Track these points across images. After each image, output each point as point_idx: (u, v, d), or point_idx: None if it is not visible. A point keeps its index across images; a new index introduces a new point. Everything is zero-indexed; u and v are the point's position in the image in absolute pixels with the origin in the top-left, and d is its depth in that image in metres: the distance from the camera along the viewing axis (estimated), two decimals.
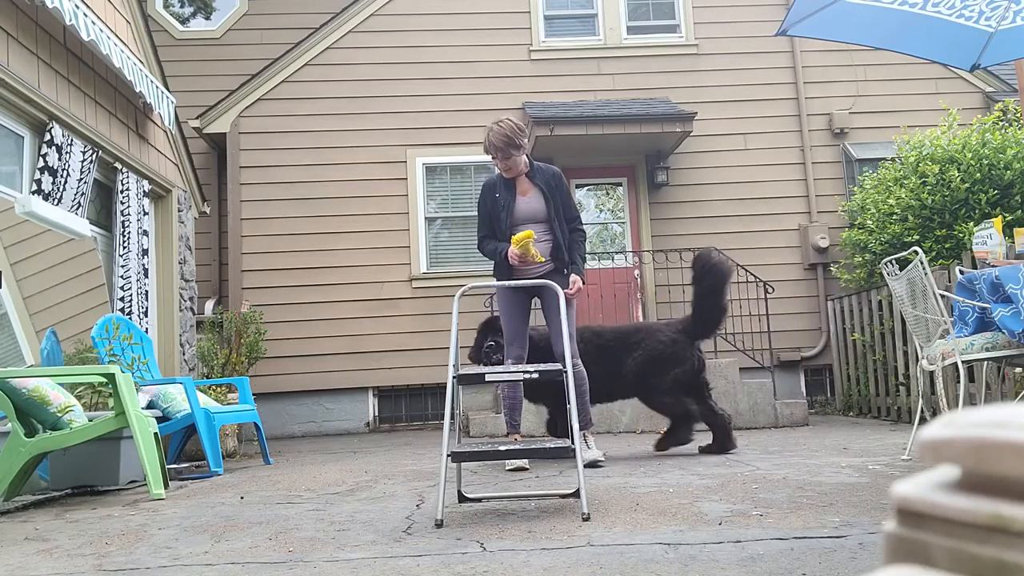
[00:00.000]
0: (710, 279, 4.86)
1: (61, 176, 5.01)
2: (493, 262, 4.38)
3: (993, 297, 3.56)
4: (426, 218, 8.39)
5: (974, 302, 3.80)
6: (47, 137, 4.90)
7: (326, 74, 8.52)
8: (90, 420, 3.84)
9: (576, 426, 3.00)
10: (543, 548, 2.34)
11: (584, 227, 4.46)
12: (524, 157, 4.30)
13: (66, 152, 5.07)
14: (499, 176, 4.37)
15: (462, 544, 2.43)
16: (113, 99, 5.97)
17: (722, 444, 4.72)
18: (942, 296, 3.89)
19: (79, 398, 4.38)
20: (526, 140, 4.28)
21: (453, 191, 8.50)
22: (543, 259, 4.19)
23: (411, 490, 3.67)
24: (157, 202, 6.86)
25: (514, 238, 4.07)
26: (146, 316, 6.21)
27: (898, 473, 3.64)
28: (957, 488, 0.52)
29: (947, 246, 6.55)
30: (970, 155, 6.67)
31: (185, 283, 7.06)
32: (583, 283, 4.31)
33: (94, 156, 5.44)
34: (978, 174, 6.54)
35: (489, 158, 4.31)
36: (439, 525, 2.71)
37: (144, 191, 6.30)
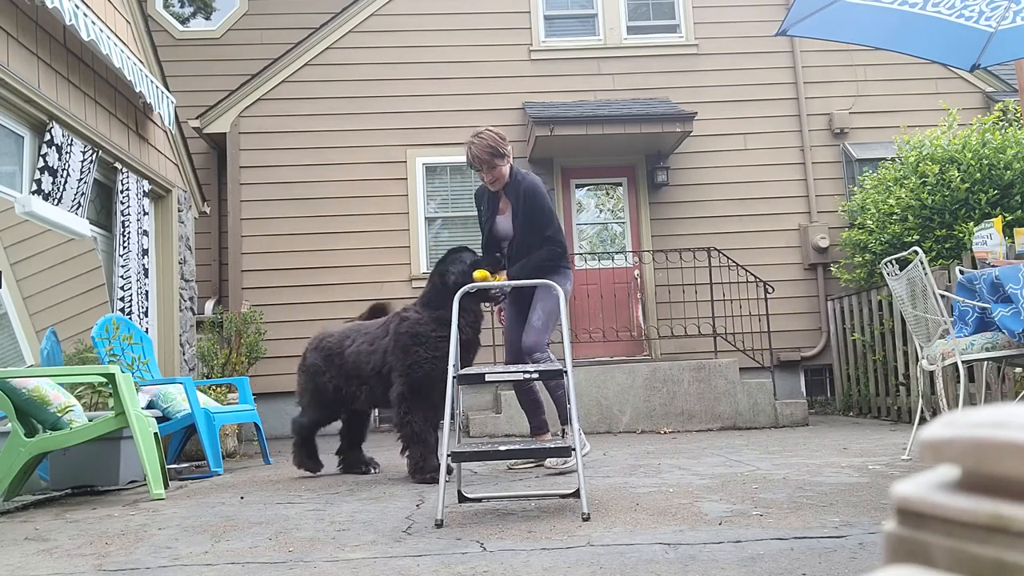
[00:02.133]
0: None
1: (61, 176, 5.01)
2: None
3: (993, 297, 3.56)
4: (426, 218, 8.39)
5: (974, 302, 3.80)
6: (47, 137, 4.90)
7: (326, 74, 8.52)
8: (90, 420, 3.84)
9: (576, 425, 3.00)
10: (543, 548, 2.34)
11: (557, 242, 4.10)
12: (508, 167, 4.15)
13: (66, 152, 5.07)
14: (484, 187, 4.28)
15: (462, 544, 2.43)
16: (113, 99, 5.97)
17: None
18: (942, 296, 3.89)
19: (79, 398, 4.38)
20: (509, 148, 4.14)
21: (453, 191, 8.50)
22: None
23: (411, 490, 3.67)
24: (157, 202, 6.86)
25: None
26: (146, 316, 6.21)
27: (898, 473, 3.64)
28: (957, 488, 0.52)
29: (947, 246, 6.55)
30: (970, 155, 6.67)
31: (185, 283, 7.06)
32: (504, 288, 3.99)
33: (94, 156, 5.43)
34: (978, 174, 6.54)
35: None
36: (439, 525, 2.71)
37: (144, 191, 6.30)
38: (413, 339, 3.89)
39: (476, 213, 4.44)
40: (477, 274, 3.90)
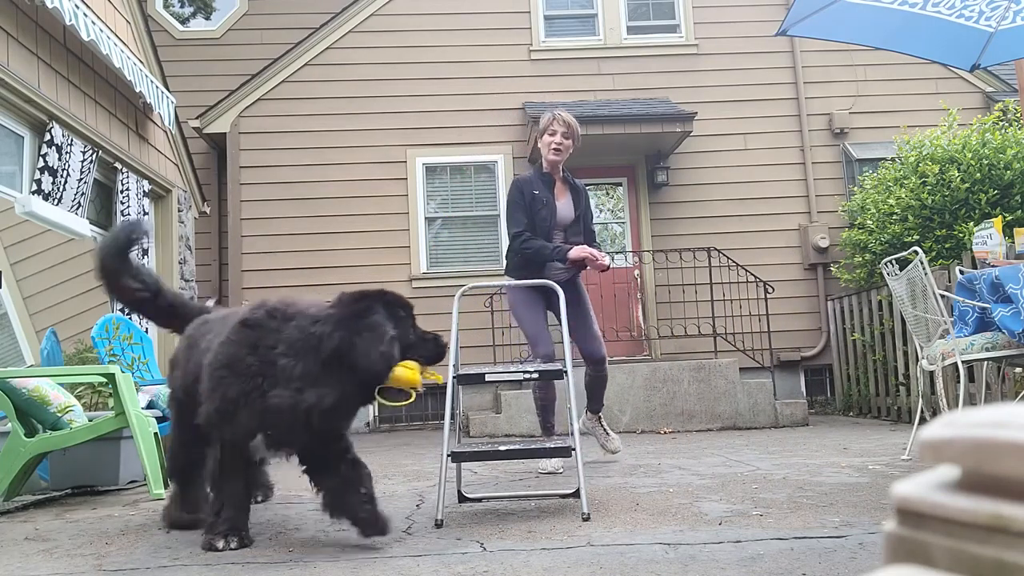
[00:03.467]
0: None
1: (61, 176, 5.01)
2: (509, 259, 4.23)
3: (993, 297, 3.56)
4: (426, 218, 8.39)
5: (974, 302, 3.80)
6: (47, 137, 4.90)
7: (326, 74, 8.52)
8: (90, 420, 3.84)
9: (576, 426, 3.00)
10: (543, 548, 2.34)
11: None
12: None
13: (66, 152, 5.07)
14: (535, 175, 4.22)
15: (462, 544, 2.43)
16: (113, 99, 5.97)
17: None
18: (942, 296, 3.89)
19: (79, 398, 4.38)
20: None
21: (453, 191, 8.50)
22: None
23: (411, 490, 3.67)
24: (157, 202, 6.86)
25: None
26: None
27: (898, 473, 3.64)
28: (957, 488, 0.52)
29: (947, 246, 6.55)
30: (970, 155, 6.66)
31: (185, 283, 7.06)
32: (605, 261, 4.02)
33: (94, 156, 5.43)
34: (978, 174, 6.54)
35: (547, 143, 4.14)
36: (439, 525, 2.71)
37: (144, 191, 6.30)
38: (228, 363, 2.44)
39: (509, 205, 4.17)
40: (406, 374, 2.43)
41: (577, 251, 3.97)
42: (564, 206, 4.18)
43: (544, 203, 4.09)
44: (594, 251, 3.99)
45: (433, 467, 4.52)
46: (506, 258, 4.32)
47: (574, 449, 2.88)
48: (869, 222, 7.28)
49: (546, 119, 4.20)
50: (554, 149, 4.14)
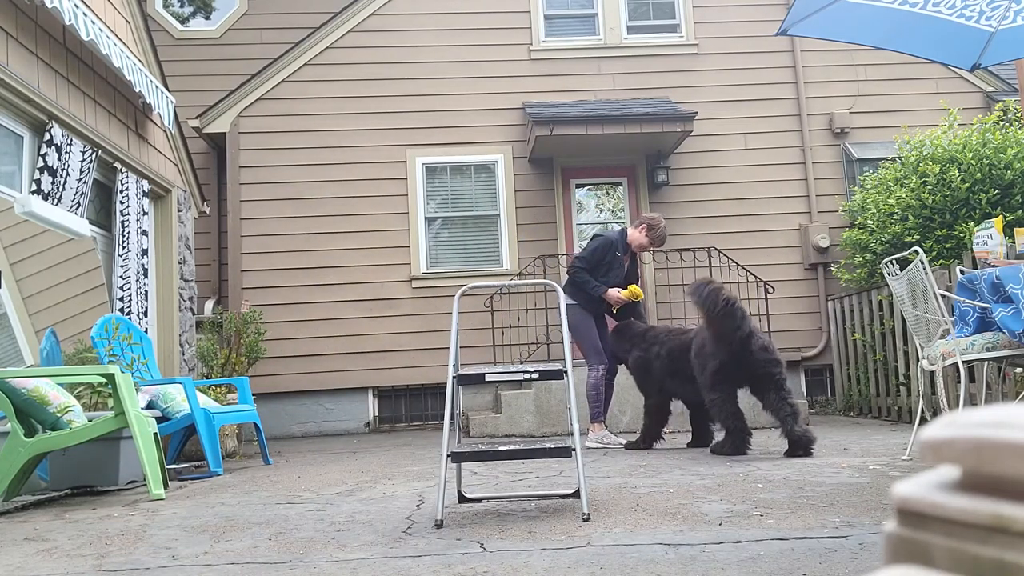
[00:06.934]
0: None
1: (61, 176, 5.01)
2: (576, 291, 5.45)
3: (994, 297, 3.55)
4: (426, 218, 8.38)
5: (974, 302, 3.80)
6: (47, 137, 4.90)
7: (326, 74, 8.52)
8: (90, 420, 3.84)
9: (576, 426, 3.00)
10: (543, 548, 2.34)
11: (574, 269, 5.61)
12: None
13: (65, 152, 5.07)
14: (621, 240, 5.56)
15: (462, 544, 2.43)
16: (113, 99, 5.97)
17: None
18: (943, 296, 3.88)
19: (79, 398, 4.38)
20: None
21: (453, 191, 8.50)
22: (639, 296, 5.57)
23: (411, 490, 3.67)
24: (157, 202, 6.86)
25: (630, 291, 5.49)
26: (145, 316, 6.21)
27: (899, 473, 3.64)
28: (957, 488, 0.52)
29: (948, 246, 6.54)
30: (970, 155, 6.66)
31: (185, 283, 7.06)
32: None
33: (94, 156, 5.43)
34: (979, 174, 6.54)
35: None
36: (439, 525, 2.71)
37: (144, 191, 6.30)
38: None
39: (594, 252, 5.51)
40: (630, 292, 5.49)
41: (609, 294, 5.43)
42: (628, 269, 5.71)
43: (620, 265, 5.56)
44: (612, 292, 5.44)
45: (433, 467, 4.52)
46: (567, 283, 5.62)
47: (574, 449, 2.88)
48: (869, 222, 7.27)
49: (662, 229, 5.59)
50: (645, 249, 5.71)
